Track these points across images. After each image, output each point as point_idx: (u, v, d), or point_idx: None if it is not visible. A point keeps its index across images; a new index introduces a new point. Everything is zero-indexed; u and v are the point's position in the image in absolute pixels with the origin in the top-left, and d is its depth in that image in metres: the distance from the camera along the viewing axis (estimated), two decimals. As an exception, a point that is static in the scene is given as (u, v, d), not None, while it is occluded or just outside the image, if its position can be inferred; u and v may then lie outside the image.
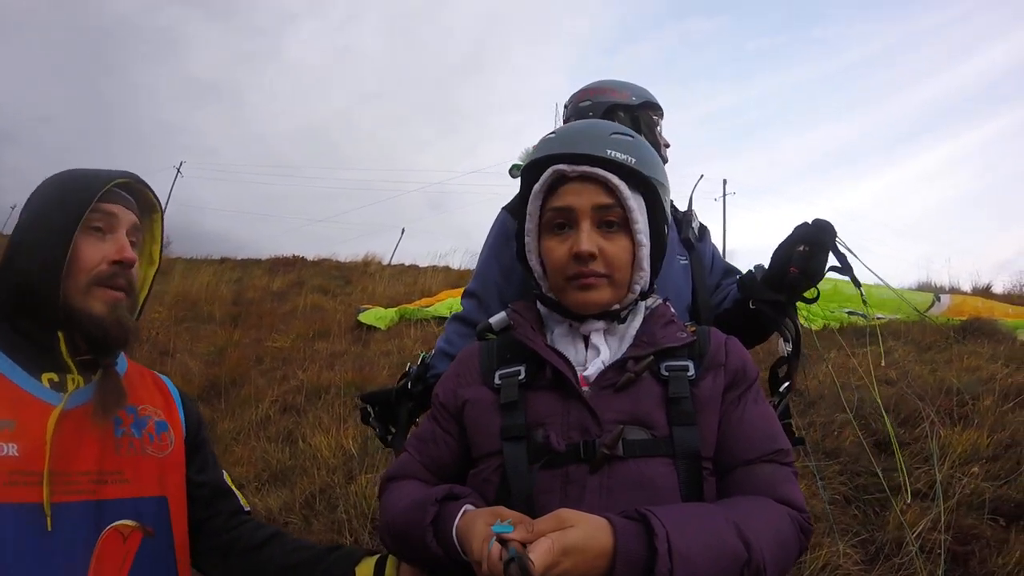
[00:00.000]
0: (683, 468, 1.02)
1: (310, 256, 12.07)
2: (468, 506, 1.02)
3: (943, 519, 2.90)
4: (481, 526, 0.93)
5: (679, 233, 1.77)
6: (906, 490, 2.96)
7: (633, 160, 1.10)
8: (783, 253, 1.52)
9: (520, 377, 1.12)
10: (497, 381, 1.14)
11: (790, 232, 1.53)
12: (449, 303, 7.97)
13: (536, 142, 1.24)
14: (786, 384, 1.52)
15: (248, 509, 1.40)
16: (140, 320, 1.31)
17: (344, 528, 3.46)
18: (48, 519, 1.04)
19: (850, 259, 1.50)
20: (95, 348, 1.17)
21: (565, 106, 2.04)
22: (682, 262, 1.80)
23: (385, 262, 12.93)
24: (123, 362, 1.28)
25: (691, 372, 1.08)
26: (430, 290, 9.52)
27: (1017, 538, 2.84)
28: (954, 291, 8.67)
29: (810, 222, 1.51)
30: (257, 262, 11.76)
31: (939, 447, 3.48)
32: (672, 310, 1.21)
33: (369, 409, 1.73)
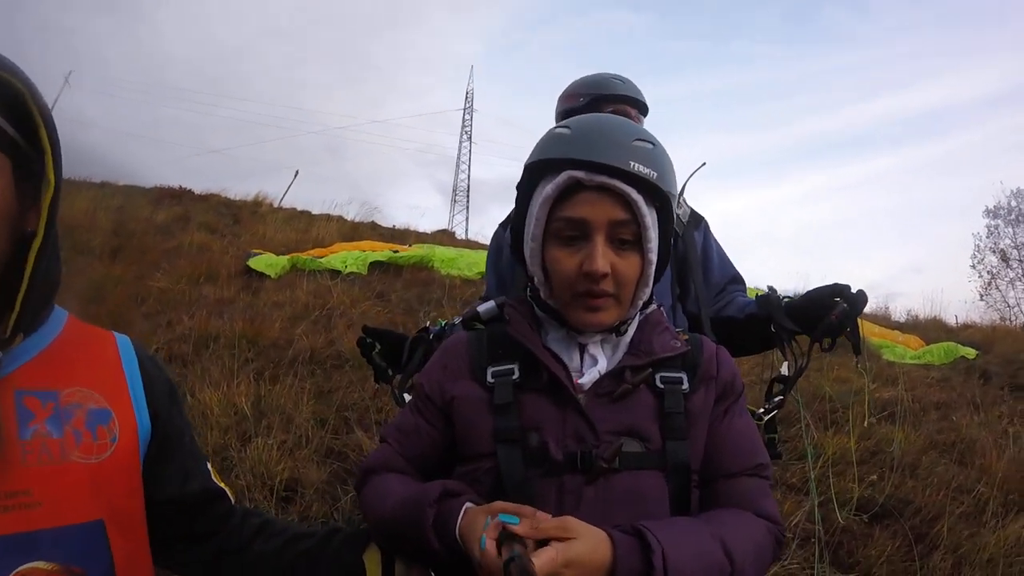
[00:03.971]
0: (673, 481, 1.05)
1: (198, 190, 11.05)
2: (469, 504, 1.00)
3: (817, 512, 3.25)
4: (482, 524, 0.93)
5: None
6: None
7: (655, 175, 1.03)
8: (821, 299, 1.66)
9: (514, 376, 1.09)
10: (490, 379, 1.10)
11: (831, 283, 1.69)
12: (343, 256, 7.49)
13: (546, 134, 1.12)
14: (779, 398, 1.68)
15: (233, 501, 1.17)
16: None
17: (244, 496, 3.24)
18: None
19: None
20: None
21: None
22: None
23: (277, 204, 12.20)
24: (55, 323, 0.96)
25: (685, 385, 1.09)
26: (323, 240, 9.08)
27: (880, 534, 3.24)
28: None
29: (852, 288, 1.66)
30: (141, 190, 10.54)
31: (813, 447, 3.88)
32: (665, 315, 1.21)
33: (375, 344, 1.72)
